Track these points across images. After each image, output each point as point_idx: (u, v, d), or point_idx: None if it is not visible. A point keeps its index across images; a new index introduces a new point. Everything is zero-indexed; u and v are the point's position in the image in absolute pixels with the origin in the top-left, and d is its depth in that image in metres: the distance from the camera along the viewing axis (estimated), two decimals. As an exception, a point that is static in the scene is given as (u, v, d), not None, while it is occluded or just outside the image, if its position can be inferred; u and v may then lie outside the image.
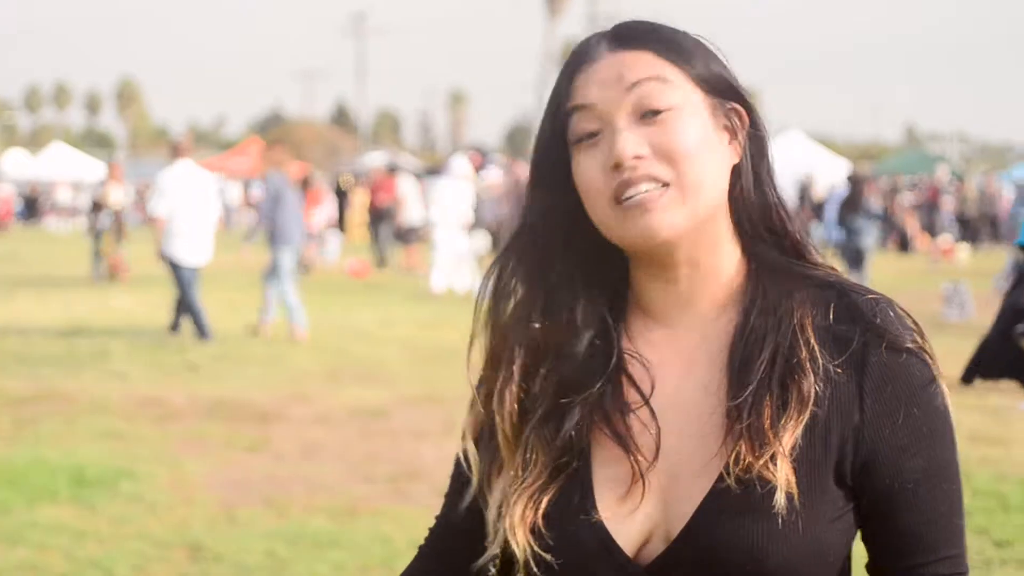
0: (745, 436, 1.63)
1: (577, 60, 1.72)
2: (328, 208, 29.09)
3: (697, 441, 1.67)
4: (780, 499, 1.59)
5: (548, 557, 1.66)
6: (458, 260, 20.87)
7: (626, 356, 1.73)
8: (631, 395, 1.71)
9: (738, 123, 1.73)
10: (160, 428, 9.59)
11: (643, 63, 1.68)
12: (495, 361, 1.76)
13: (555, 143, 1.71)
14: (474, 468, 1.78)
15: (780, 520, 1.60)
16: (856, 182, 20.03)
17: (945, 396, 1.69)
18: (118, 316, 16.65)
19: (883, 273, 22.48)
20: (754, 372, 1.66)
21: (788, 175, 39.48)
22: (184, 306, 14.67)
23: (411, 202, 27.66)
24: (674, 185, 1.64)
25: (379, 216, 28.71)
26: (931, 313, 17.49)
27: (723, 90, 1.72)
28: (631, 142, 1.64)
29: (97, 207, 23.03)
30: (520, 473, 1.70)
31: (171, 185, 14.78)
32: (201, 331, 14.52)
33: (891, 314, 1.69)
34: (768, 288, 1.72)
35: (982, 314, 16.12)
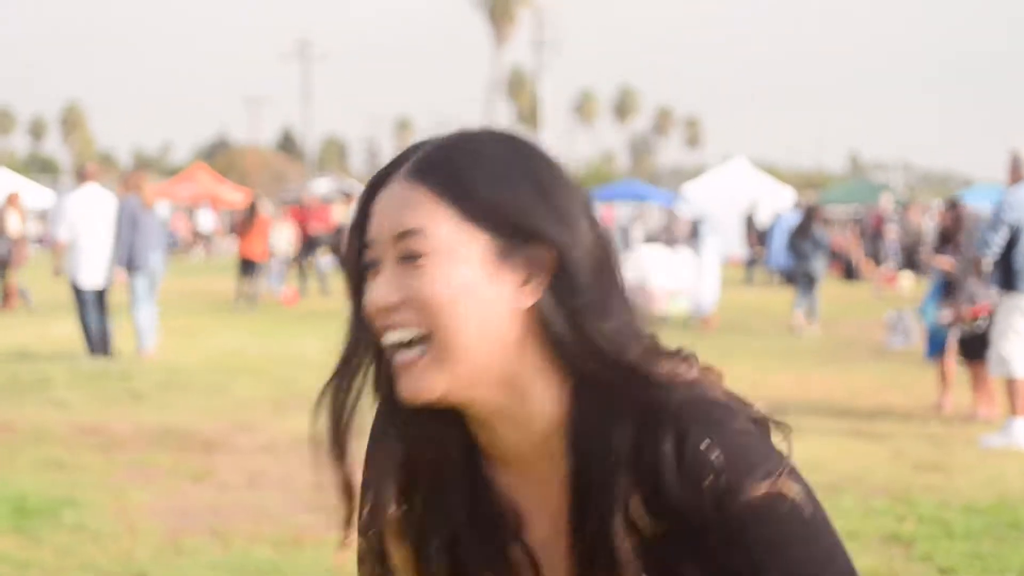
0: None
1: (380, 176, 1.63)
2: (284, 234, 28.60)
3: None
4: None
5: None
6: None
7: (487, 497, 1.68)
8: (495, 535, 1.67)
9: (540, 263, 1.56)
10: (104, 457, 9.51)
11: (414, 206, 1.56)
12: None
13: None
14: None
15: None
16: (808, 211, 21.42)
17: (804, 512, 1.52)
18: (59, 343, 16.50)
19: (828, 301, 22.60)
20: (590, 523, 1.58)
21: (734, 203, 39.82)
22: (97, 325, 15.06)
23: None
24: (432, 341, 1.55)
25: (312, 245, 28.46)
26: (875, 341, 17.63)
27: (523, 231, 1.56)
28: (380, 291, 1.57)
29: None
30: None
31: (72, 209, 15.25)
32: (91, 347, 15.07)
33: (735, 449, 1.52)
34: (597, 427, 1.58)
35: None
